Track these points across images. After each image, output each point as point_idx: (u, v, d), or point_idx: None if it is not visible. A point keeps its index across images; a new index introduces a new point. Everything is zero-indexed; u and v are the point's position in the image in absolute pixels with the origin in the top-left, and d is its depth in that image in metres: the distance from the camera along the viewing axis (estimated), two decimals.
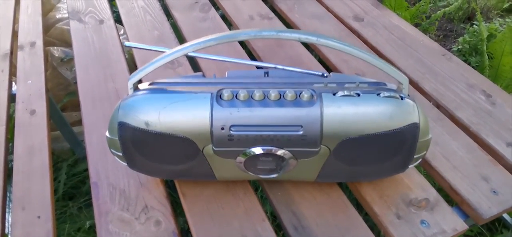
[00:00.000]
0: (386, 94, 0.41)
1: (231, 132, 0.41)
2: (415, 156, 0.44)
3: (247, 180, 0.52)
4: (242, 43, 0.76)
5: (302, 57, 0.71)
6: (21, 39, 0.82)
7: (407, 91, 0.42)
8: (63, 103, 1.18)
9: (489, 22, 1.75)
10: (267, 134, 0.41)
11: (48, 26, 1.23)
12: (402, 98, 0.41)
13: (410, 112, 0.41)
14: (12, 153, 0.60)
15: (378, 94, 0.41)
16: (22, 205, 0.52)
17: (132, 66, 0.74)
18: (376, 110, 0.40)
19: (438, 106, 0.62)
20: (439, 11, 1.58)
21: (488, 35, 1.52)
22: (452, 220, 0.48)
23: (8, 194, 0.57)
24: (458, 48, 1.61)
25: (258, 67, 0.53)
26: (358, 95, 0.41)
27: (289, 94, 0.41)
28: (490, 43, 1.46)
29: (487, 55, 1.41)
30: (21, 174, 0.56)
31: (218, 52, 0.49)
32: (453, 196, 0.51)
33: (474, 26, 1.65)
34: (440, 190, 0.53)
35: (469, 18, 1.83)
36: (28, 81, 0.71)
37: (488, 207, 0.49)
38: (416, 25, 1.64)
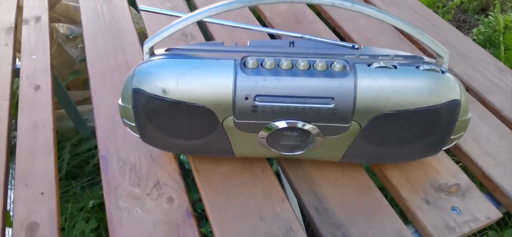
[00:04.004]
0: (426, 67, 0.37)
1: (256, 102, 0.38)
2: (452, 137, 0.41)
3: (266, 157, 0.49)
4: (260, 19, 0.73)
5: (322, 34, 0.67)
6: (26, 13, 0.79)
7: (447, 66, 0.39)
8: (67, 81, 1.15)
9: (504, 14, 1.70)
10: (295, 106, 0.38)
11: (54, 2, 1.19)
12: (443, 72, 0.38)
13: (451, 88, 0.38)
14: (15, 129, 0.57)
15: (417, 67, 0.38)
16: (25, 181, 0.50)
17: (143, 39, 0.70)
18: (415, 84, 0.37)
19: (468, 89, 0.58)
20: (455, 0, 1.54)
21: (503, 26, 1.48)
22: (485, 207, 0.45)
23: (10, 171, 0.55)
24: (473, 39, 1.56)
25: (274, 36, 0.49)
26: (395, 67, 0.37)
27: (320, 64, 0.38)
28: (506, 35, 1.42)
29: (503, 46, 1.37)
30: (25, 150, 0.53)
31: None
32: (485, 182, 0.48)
33: (489, 17, 1.60)
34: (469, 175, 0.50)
35: (483, 9, 1.78)
36: (33, 56, 0.68)
37: None
38: None
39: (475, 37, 1.57)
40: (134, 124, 0.42)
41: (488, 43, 1.56)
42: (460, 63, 0.62)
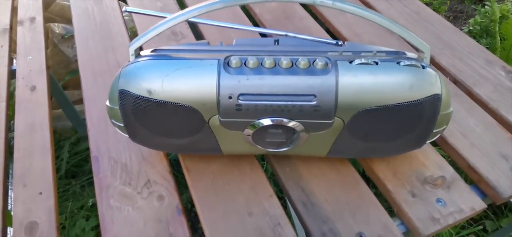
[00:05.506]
0: (407, 63, 0.38)
1: (239, 101, 0.38)
2: (434, 131, 0.41)
3: (254, 154, 0.49)
4: (249, 15, 0.73)
5: (311, 30, 0.68)
6: (20, 14, 0.80)
7: (428, 61, 0.39)
8: (64, 81, 1.16)
9: (501, 3, 1.69)
10: (278, 104, 0.38)
11: (49, 2, 1.20)
12: (423, 67, 0.38)
13: (432, 82, 0.38)
14: (13, 130, 0.58)
15: (398, 63, 0.38)
16: (23, 182, 0.50)
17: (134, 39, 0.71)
18: (396, 80, 0.37)
19: (455, 81, 0.59)
20: None
21: (500, 16, 1.48)
22: (469, 198, 0.45)
23: (10, 171, 0.56)
24: (469, 29, 1.56)
25: (265, 35, 0.50)
26: (376, 63, 0.38)
27: (302, 62, 0.38)
28: (502, 25, 1.42)
29: (499, 36, 1.37)
30: (22, 151, 0.54)
31: (222, 21, 0.46)
32: (470, 174, 0.49)
33: (486, 7, 1.59)
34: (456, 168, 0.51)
35: None
36: (28, 57, 0.69)
37: (507, 186, 0.46)
38: (427, 5, 1.59)
39: (471, 27, 1.56)
40: (122, 125, 0.43)
41: (485, 33, 1.56)
42: (448, 56, 0.62)
